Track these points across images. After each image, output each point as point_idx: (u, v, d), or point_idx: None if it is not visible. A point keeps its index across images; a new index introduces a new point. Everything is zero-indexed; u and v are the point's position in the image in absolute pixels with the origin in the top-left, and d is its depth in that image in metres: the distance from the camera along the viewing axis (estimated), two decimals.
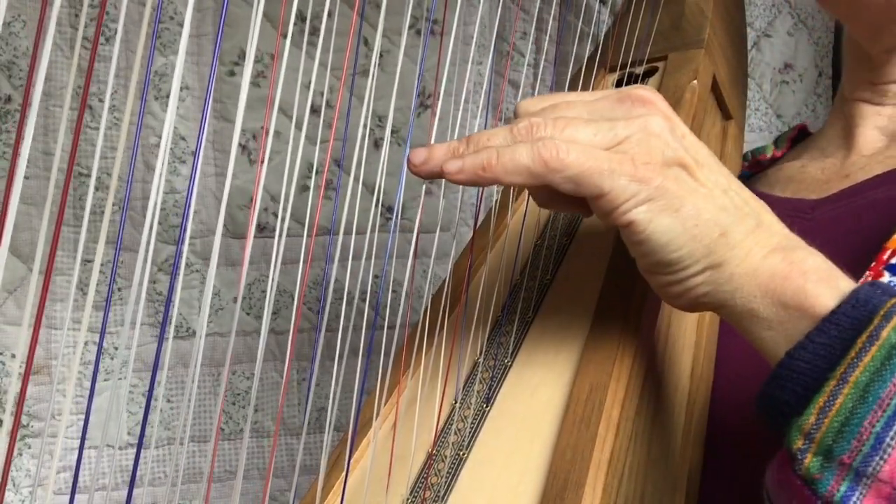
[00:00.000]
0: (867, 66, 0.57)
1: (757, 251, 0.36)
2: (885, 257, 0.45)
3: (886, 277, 0.44)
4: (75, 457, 0.96)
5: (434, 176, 0.38)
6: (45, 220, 0.26)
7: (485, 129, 0.40)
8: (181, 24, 0.98)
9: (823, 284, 0.35)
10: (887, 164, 0.54)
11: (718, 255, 0.36)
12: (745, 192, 0.39)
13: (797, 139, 0.67)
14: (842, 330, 0.33)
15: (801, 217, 0.55)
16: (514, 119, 0.40)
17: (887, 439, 0.30)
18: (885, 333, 0.32)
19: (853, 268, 0.46)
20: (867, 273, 0.45)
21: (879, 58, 0.56)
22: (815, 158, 0.60)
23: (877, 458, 0.30)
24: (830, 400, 0.32)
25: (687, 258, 0.36)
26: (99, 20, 0.27)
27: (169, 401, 1.01)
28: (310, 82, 0.95)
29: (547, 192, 0.39)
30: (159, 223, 0.97)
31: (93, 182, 0.29)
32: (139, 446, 0.29)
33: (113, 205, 0.94)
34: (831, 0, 0.56)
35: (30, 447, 0.94)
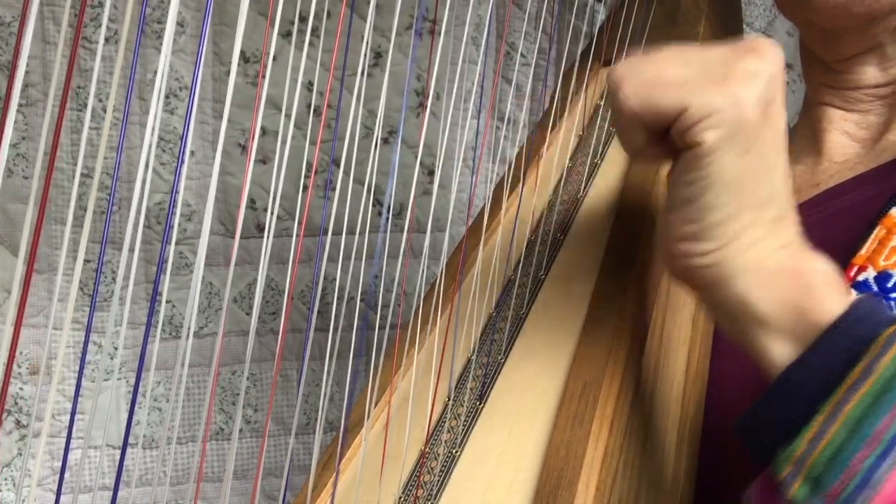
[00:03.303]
0: (823, 71, 0.56)
1: (771, 240, 0.35)
2: (852, 274, 0.45)
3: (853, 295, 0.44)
4: (75, 457, 0.96)
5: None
6: (28, 216, 0.26)
7: (484, 129, 0.39)
8: (182, 24, 0.98)
9: (830, 288, 0.34)
10: (857, 170, 0.53)
11: (738, 227, 0.35)
12: (788, 180, 0.37)
13: None
14: (841, 348, 0.32)
15: None
16: (609, 88, 0.39)
17: (877, 476, 0.30)
18: (881, 365, 0.31)
19: None
20: None
21: (835, 65, 0.55)
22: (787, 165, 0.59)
23: (865, 494, 0.30)
24: (822, 430, 0.31)
25: (714, 213, 0.35)
26: (82, 14, 0.27)
27: (168, 400, 1.01)
28: (309, 82, 0.95)
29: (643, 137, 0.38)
30: (159, 223, 0.97)
31: (95, 182, 0.29)
32: (124, 445, 0.29)
33: (113, 205, 0.94)
34: (787, 6, 0.54)
35: (30, 447, 0.94)
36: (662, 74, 0.36)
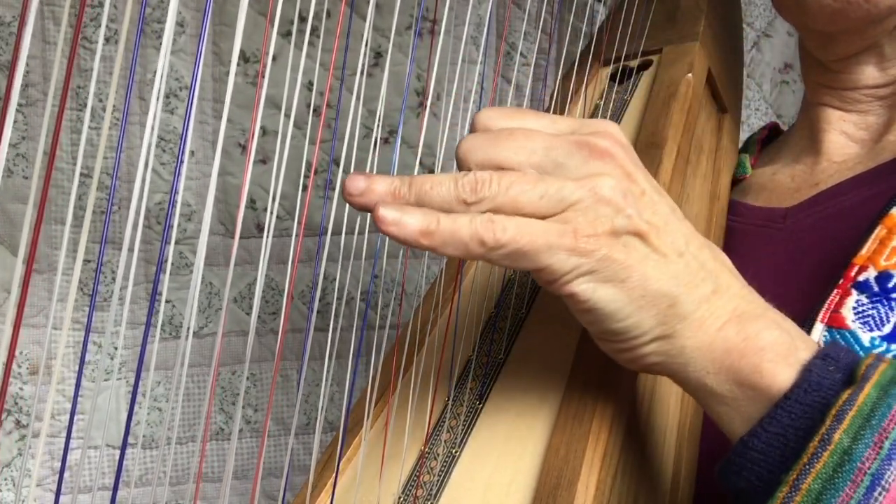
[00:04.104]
0: (820, 71, 0.56)
1: (711, 322, 0.35)
2: (853, 274, 0.44)
3: (854, 296, 0.44)
4: (74, 457, 0.96)
5: (367, 210, 0.34)
6: (27, 216, 0.26)
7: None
8: (182, 24, 0.98)
9: (780, 362, 0.34)
10: (856, 170, 0.53)
11: (669, 325, 0.35)
12: (705, 253, 0.36)
13: (768, 139, 0.66)
14: (794, 418, 0.32)
15: (773, 226, 0.54)
16: (470, 130, 0.37)
17: None
18: (836, 437, 0.31)
19: (825, 279, 0.46)
20: (835, 291, 0.44)
21: (833, 66, 0.55)
22: (786, 164, 0.59)
23: None
24: None
25: (634, 328, 0.35)
26: (81, 13, 0.27)
27: (168, 400, 1.01)
28: (309, 82, 0.95)
29: None
30: (159, 223, 0.97)
31: (95, 182, 0.29)
32: (124, 445, 0.29)
33: (113, 205, 0.94)
34: (784, 9, 0.54)
35: (30, 447, 0.94)
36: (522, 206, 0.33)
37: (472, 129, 0.38)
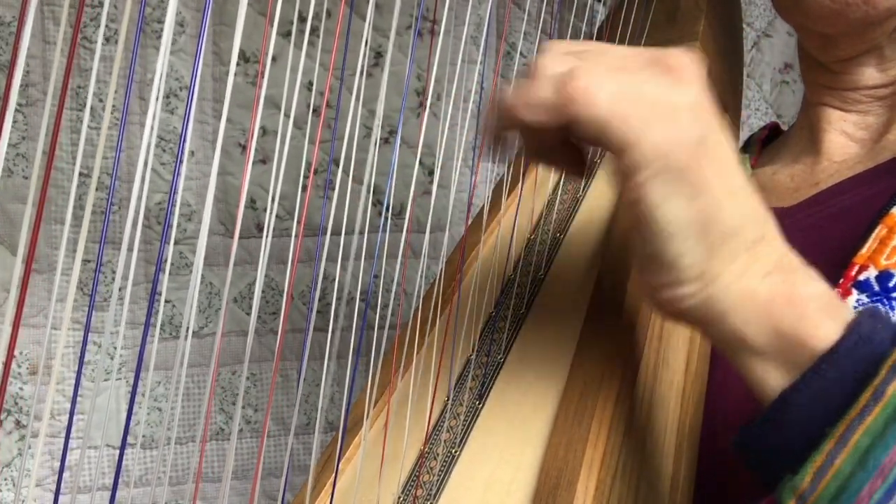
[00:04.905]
0: (820, 72, 0.56)
1: (757, 268, 0.33)
2: (853, 273, 0.44)
3: (854, 295, 0.43)
4: (74, 457, 0.96)
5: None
6: (27, 216, 0.26)
7: (483, 128, 0.37)
8: (181, 24, 0.98)
9: (825, 314, 0.32)
10: (856, 170, 0.53)
11: (717, 264, 0.33)
12: (755, 197, 0.35)
13: (768, 139, 0.65)
14: (842, 372, 0.31)
15: None
16: (535, 65, 0.35)
17: None
18: (890, 390, 0.29)
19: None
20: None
21: (833, 66, 0.54)
22: (786, 164, 0.59)
23: None
24: (828, 461, 0.30)
25: (686, 256, 0.33)
26: (80, 13, 0.27)
27: (167, 400, 1.01)
28: (309, 82, 0.95)
29: (549, 137, 0.35)
30: (159, 223, 0.97)
31: (94, 182, 0.29)
32: (123, 445, 0.29)
33: (113, 204, 0.94)
34: (784, 10, 0.54)
35: (29, 447, 0.94)
36: (636, 89, 0.32)
37: (537, 66, 0.35)
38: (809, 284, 0.33)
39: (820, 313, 0.32)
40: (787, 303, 0.33)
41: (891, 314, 0.42)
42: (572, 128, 0.33)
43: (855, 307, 0.43)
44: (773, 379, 0.33)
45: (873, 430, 0.29)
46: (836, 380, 0.31)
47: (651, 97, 0.32)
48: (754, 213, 0.34)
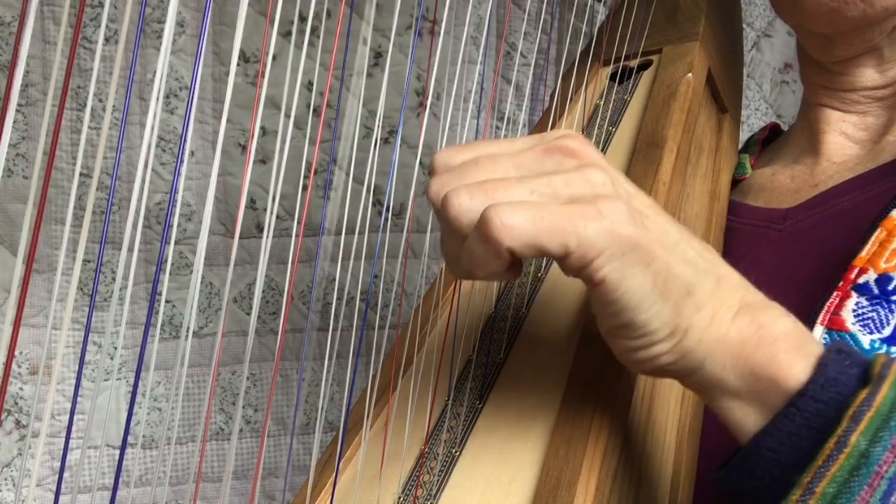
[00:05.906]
0: (820, 72, 0.56)
1: (723, 313, 0.34)
2: (853, 276, 0.44)
3: (854, 298, 0.44)
4: (74, 457, 0.96)
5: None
6: (27, 216, 0.26)
7: (484, 129, 0.37)
8: (182, 24, 0.98)
9: (795, 353, 0.33)
10: (856, 171, 0.53)
11: (685, 318, 0.34)
12: (696, 242, 0.35)
13: (768, 140, 0.65)
14: (809, 416, 0.31)
15: (773, 227, 0.54)
16: (430, 174, 0.36)
17: None
18: (853, 439, 0.30)
19: (825, 280, 0.46)
20: (835, 293, 0.44)
21: (832, 67, 0.55)
22: (786, 165, 0.59)
23: None
24: None
25: (654, 320, 0.33)
26: (81, 13, 0.27)
27: (168, 400, 1.01)
28: (309, 82, 0.95)
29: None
30: (159, 223, 0.97)
31: (94, 182, 0.29)
32: (123, 445, 0.29)
33: (113, 204, 0.94)
34: (782, 10, 0.54)
35: (29, 447, 0.94)
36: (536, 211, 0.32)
37: (432, 174, 0.36)
38: (777, 323, 0.34)
39: (790, 353, 0.33)
40: (757, 345, 0.33)
41: (890, 317, 0.42)
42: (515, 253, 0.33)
43: (854, 310, 0.43)
44: (751, 422, 0.34)
45: (839, 479, 0.30)
46: (803, 425, 0.32)
47: (568, 194, 0.33)
48: (702, 257, 0.35)
